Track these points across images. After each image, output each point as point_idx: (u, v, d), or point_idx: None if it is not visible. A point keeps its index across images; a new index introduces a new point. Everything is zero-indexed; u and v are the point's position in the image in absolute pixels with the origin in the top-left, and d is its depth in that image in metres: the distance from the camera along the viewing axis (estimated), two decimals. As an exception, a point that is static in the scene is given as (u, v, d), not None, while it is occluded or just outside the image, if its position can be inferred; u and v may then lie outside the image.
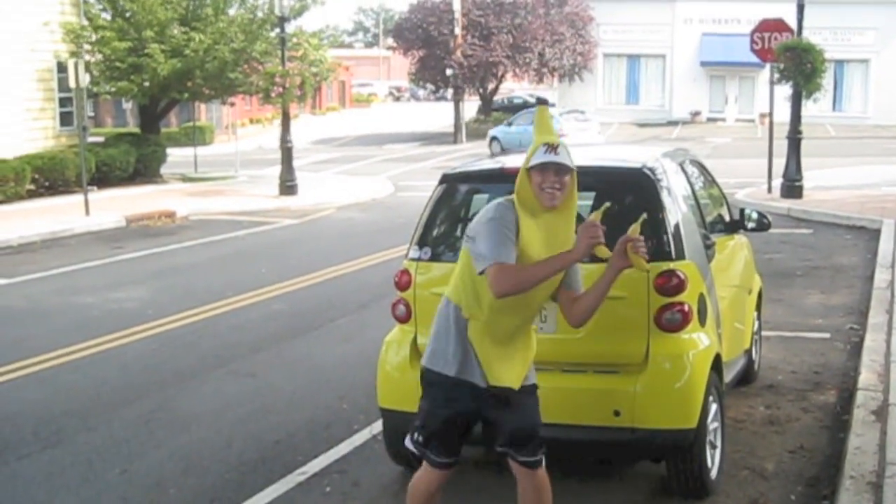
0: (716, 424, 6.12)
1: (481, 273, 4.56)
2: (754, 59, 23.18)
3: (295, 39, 29.19)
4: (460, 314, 4.78)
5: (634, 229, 4.66)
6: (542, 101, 4.95)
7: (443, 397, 4.82)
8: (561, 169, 4.57)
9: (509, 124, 42.27)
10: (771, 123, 22.41)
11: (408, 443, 4.98)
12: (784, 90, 21.58)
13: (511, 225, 4.60)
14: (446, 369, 4.79)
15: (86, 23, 28.30)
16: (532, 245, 4.61)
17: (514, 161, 6.67)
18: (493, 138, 42.49)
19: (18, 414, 8.28)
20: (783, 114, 21.91)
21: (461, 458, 4.96)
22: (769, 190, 22.07)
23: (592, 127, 38.98)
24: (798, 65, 20.38)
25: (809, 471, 6.43)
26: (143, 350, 10.38)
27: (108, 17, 29.20)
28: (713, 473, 6.04)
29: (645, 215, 5.01)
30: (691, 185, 6.96)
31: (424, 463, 4.94)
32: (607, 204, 5.12)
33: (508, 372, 4.71)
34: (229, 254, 17.27)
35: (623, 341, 5.76)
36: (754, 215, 7.92)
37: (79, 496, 6.53)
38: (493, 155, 32.49)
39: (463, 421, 4.85)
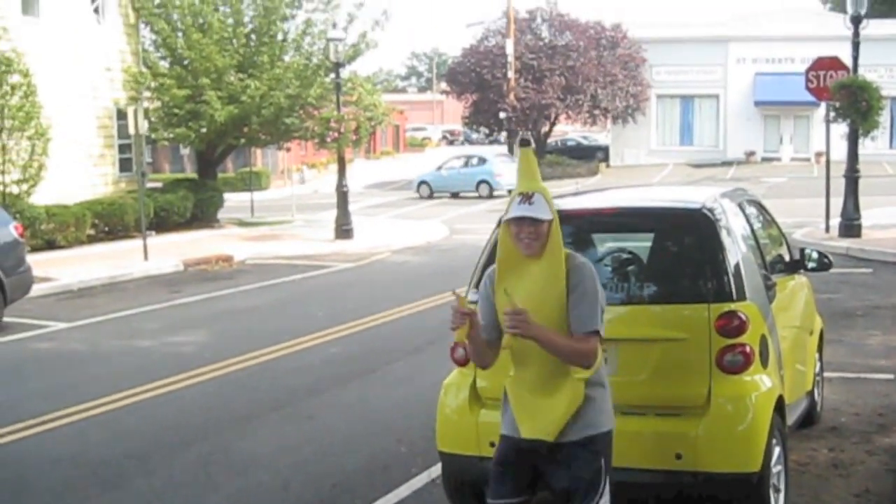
0: (779, 468, 6.02)
1: None
2: (809, 97, 23.04)
3: (349, 84, 29.50)
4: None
5: (509, 301, 4.48)
6: (524, 143, 4.85)
7: (501, 448, 4.84)
8: (535, 221, 4.54)
9: (439, 168, 42.66)
10: (828, 162, 22.20)
11: None
12: (840, 128, 21.40)
13: (487, 295, 4.75)
14: (503, 426, 4.85)
15: (145, 70, 28.82)
16: (515, 296, 4.55)
17: (571, 203, 6.67)
18: (422, 182, 43.56)
19: (79, 455, 8.36)
20: (839, 152, 21.75)
21: None
22: (827, 229, 21.83)
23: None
24: (854, 102, 20.22)
25: (876, 515, 6.30)
26: (202, 393, 10.46)
27: (167, 65, 29.74)
28: (777, 518, 5.95)
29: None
30: (750, 225, 6.91)
31: None
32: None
33: (541, 423, 4.62)
34: (285, 298, 17.37)
35: (684, 384, 5.70)
36: (815, 255, 7.85)
37: (139, 539, 6.57)
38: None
39: (519, 467, 4.76)
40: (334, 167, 29.79)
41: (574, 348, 4.54)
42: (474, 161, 44.17)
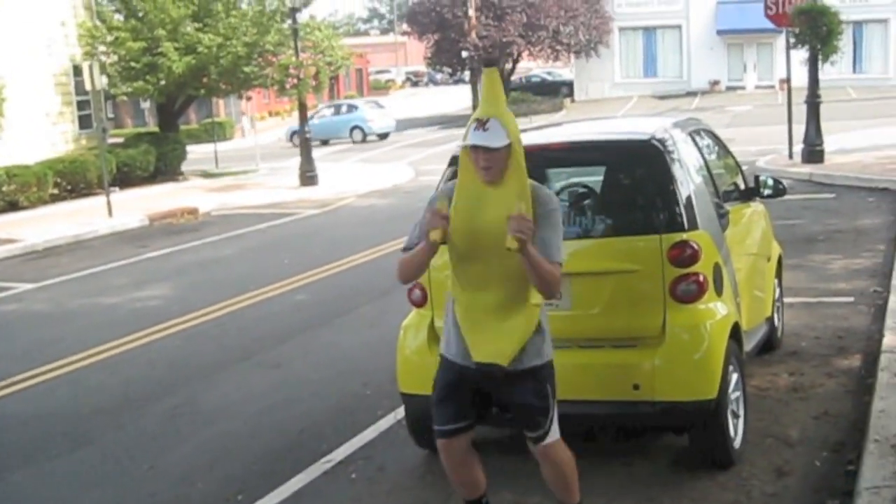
0: (737, 394, 6.10)
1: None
2: (771, 24, 22.99)
3: (307, 29, 29.22)
4: (453, 295, 4.83)
5: (521, 207, 4.43)
6: (489, 63, 4.84)
7: (444, 375, 4.88)
8: (488, 149, 4.51)
9: (311, 118, 42.89)
10: (789, 89, 22.20)
11: None
12: (801, 55, 21.39)
13: (437, 205, 4.60)
14: (446, 351, 4.86)
15: (100, 24, 28.44)
16: (473, 220, 4.57)
17: (524, 139, 6.66)
18: (295, 132, 42.62)
19: (49, 415, 8.37)
20: (802, 79, 21.74)
21: (463, 433, 4.89)
22: (790, 156, 21.90)
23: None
24: (813, 28, 20.19)
25: (834, 436, 6.39)
26: (169, 346, 10.46)
27: (122, 18, 29.35)
28: (737, 443, 6.02)
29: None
30: (703, 154, 6.91)
31: (437, 444, 4.97)
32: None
33: (493, 348, 4.62)
34: (252, 247, 17.34)
35: (639, 315, 5.75)
36: (769, 182, 7.87)
37: (107, 494, 6.60)
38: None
39: (461, 391, 4.81)
40: (297, 114, 29.54)
41: (551, 271, 4.52)
42: (344, 109, 46.71)
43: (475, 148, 4.53)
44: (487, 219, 4.54)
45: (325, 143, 43.33)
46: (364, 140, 43.52)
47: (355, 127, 43.62)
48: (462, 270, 4.72)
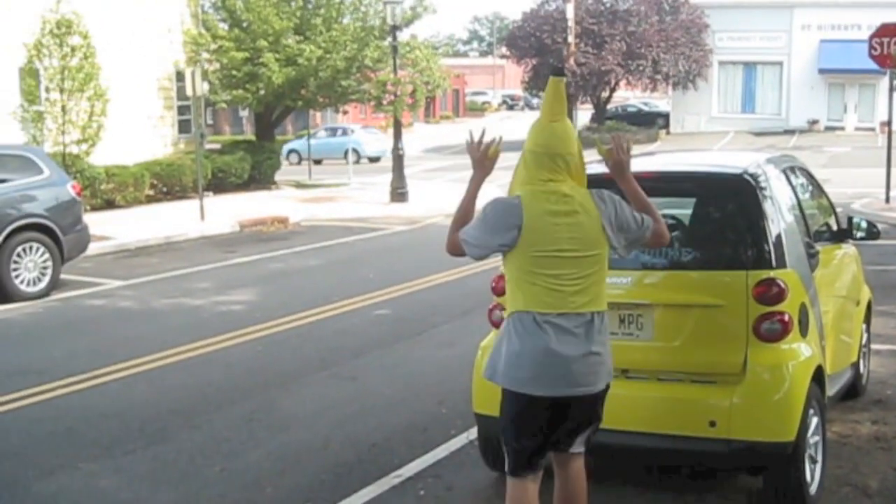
0: (816, 438, 5.96)
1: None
2: (874, 65, 22.59)
3: (407, 48, 29.45)
4: None
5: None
6: (556, 71, 4.81)
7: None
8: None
9: (310, 137, 43.19)
10: (890, 131, 21.80)
11: None
12: (904, 97, 20.99)
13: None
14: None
15: (204, 32, 29.00)
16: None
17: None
18: (292, 150, 46.18)
19: (127, 410, 8.51)
20: (904, 122, 21.31)
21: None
22: (887, 200, 21.45)
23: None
24: (918, 70, 19.81)
25: (916, 488, 6.22)
26: (249, 352, 10.57)
27: (226, 27, 29.90)
28: (813, 489, 5.88)
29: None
30: (795, 192, 6.80)
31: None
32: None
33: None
34: (338, 259, 17.48)
35: (720, 351, 5.65)
36: (863, 224, 7.70)
37: (179, 492, 6.67)
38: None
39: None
40: (392, 130, 29.76)
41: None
42: (340, 132, 48.96)
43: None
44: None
45: (318, 162, 43.65)
46: (357, 161, 44.94)
47: (351, 149, 44.21)
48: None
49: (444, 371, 9.46)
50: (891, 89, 21.40)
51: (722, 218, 6.13)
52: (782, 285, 5.62)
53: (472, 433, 7.23)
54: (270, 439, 7.70)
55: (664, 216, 6.40)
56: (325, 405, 8.56)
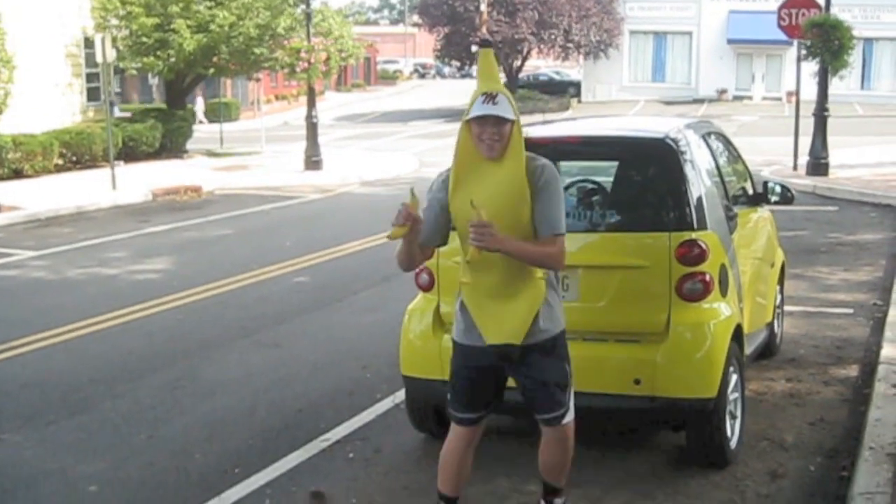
0: (736, 395, 6.14)
1: None
2: (782, 36, 23.07)
3: (320, 16, 29.22)
4: (461, 279, 4.82)
5: (477, 214, 4.38)
6: (485, 44, 4.75)
7: (461, 361, 4.86)
8: (500, 120, 4.47)
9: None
10: (798, 101, 22.29)
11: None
12: (811, 67, 21.43)
13: (434, 203, 4.76)
14: (457, 336, 4.85)
15: (113, -3, 28.42)
16: (475, 196, 4.47)
17: (539, 131, 6.68)
18: None
19: (47, 381, 8.39)
20: (810, 92, 21.77)
21: (483, 419, 4.94)
22: (795, 167, 21.97)
23: None
24: (825, 41, 20.23)
25: (829, 443, 6.43)
26: (169, 320, 10.49)
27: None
28: (733, 443, 6.07)
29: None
30: (714, 156, 6.95)
31: (452, 426, 4.96)
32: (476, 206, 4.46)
33: (504, 327, 4.63)
34: (254, 228, 17.36)
35: (644, 311, 5.79)
36: (778, 189, 7.90)
37: (106, 461, 6.62)
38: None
39: (484, 379, 4.82)
40: (304, 98, 29.54)
41: (544, 252, 4.54)
42: None
43: (484, 119, 4.47)
44: (486, 196, 4.49)
45: None
46: None
47: None
48: (465, 251, 4.64)
49: (367, 336, 9.50)
50: (798, 59, 21.84)
51: (644, 181, 6.26)
52: (703, 246, 5.76)
53: (398, 397, 7.30)
54: (196, 407, 7.68)
55: (585, 180, 6.55)
56: (249, 372, 8.55)
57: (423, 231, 4.65)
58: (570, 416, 4.86)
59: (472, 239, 4.36)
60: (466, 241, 4.53)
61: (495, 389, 4.89)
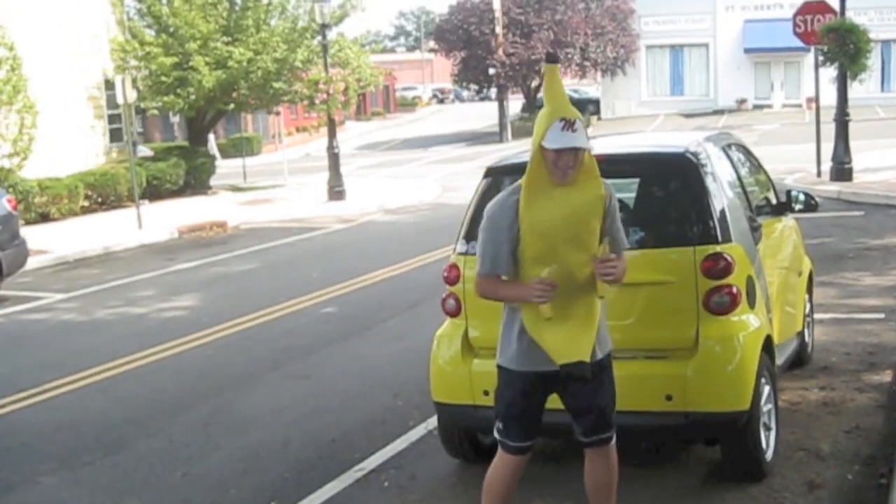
0: (769, 406, 6.11)
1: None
2: (798, 43, 22.96)
3: (337, 46, 29.40)
4: (513, 306, 4.80)
5: (602, 250, 4.58)
6: (551, 58, 4.70)
7: (520, 389, 4.80)
8: (578, 150, 4.50)
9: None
10: (817, 107, 22.20)
11: (495, 432, 4.95)
12: (830, 73, 21.36)
13: (503, 226, 4.66)
14: (514, 364, 4.78)
15: (131, 38, 28.71)
16: (547, 221, 4.56)
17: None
18: None
19: (81, 422, 8.44)
20: (830, 97, 21.69)
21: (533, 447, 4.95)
22: (818, 174, 21.86)
23: None
24: (842, 46, 20.17)
25: (865, 450, 6.38)
26: (199, 357, 10.54)
27: (153, 33, 29.61)
28: (768, 455, 6.03)
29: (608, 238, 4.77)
30: (735, 168, 6.94)
31: (499, 453, 4.92)
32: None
33: (574, 346, 4.65)
34: (280, 260, 17.43)
35: (673, 326, 5.78)
36: (801, 197, 7.88)
37: (143, 499, 6.66)
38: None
39: (539, 403, 4.83)
40: (325, 129, 29.68)
41: (626, 271, 4.81)
42: None
43: (565, 150, 4.49)
44: (561, 218, 4.58)
45: None
46: None
47: None
48: (536, 274, 4.61)
49: (397, 364, 9.51)
50: (816, 65, 21.78)
51: (666, 196, 6.26)
52: (729, 259, 5.75)
53: (431, 423, 7.29)
54: (229, 442, 7.70)
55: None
56: (281, 405, 8.57)
57: (504, 266, 4.75)
58: (614, 437, 4.89)
59: (603, 274, 4.55)
60: (538, 265, 4.59)
61: (542, 414, 4.89)
